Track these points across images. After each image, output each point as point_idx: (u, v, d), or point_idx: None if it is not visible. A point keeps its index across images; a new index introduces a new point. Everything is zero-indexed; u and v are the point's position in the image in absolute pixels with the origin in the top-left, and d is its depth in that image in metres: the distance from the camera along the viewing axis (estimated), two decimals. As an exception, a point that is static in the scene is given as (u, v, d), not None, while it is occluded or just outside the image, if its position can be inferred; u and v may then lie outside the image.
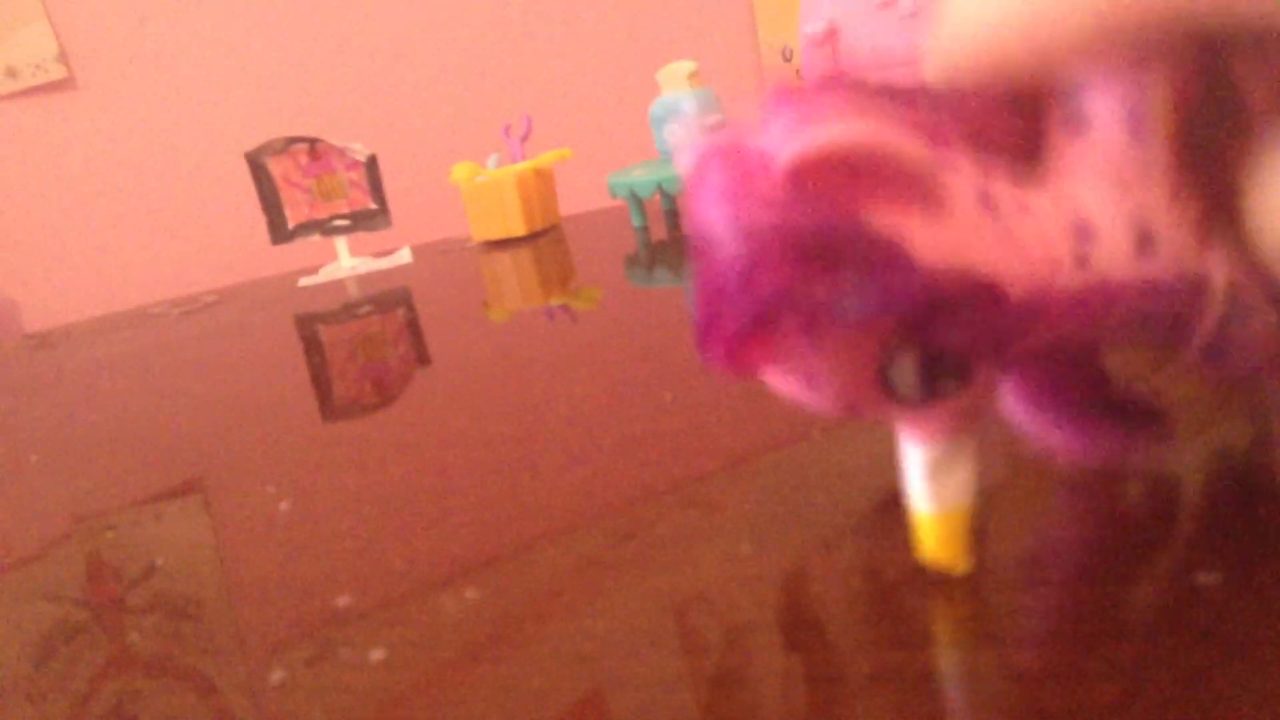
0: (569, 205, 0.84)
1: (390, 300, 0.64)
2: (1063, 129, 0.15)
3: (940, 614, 0.17)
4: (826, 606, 0.18)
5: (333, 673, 0.19)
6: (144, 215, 1.34)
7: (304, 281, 0.76)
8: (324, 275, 0.76)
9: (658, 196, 0.69)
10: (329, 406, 0.41)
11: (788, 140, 0.13)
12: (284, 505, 0.28)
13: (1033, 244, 0.14)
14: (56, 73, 1.31)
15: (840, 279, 0.13)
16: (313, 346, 0.55)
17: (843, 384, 0.15)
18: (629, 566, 0.21)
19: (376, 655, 0.19)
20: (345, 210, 0.78)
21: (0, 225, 1.31)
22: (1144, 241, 0.15)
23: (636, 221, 0.71)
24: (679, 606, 0.19)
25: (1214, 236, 0.15)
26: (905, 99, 0.14)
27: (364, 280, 0.73)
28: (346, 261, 0.78)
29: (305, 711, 0.18)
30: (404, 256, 0.78)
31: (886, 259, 0.13)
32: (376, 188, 0.79)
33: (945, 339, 0.14)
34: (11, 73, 1.29)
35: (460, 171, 0.77)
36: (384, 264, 0.77)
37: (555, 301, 0.55)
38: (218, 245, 1.33)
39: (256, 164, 0.76)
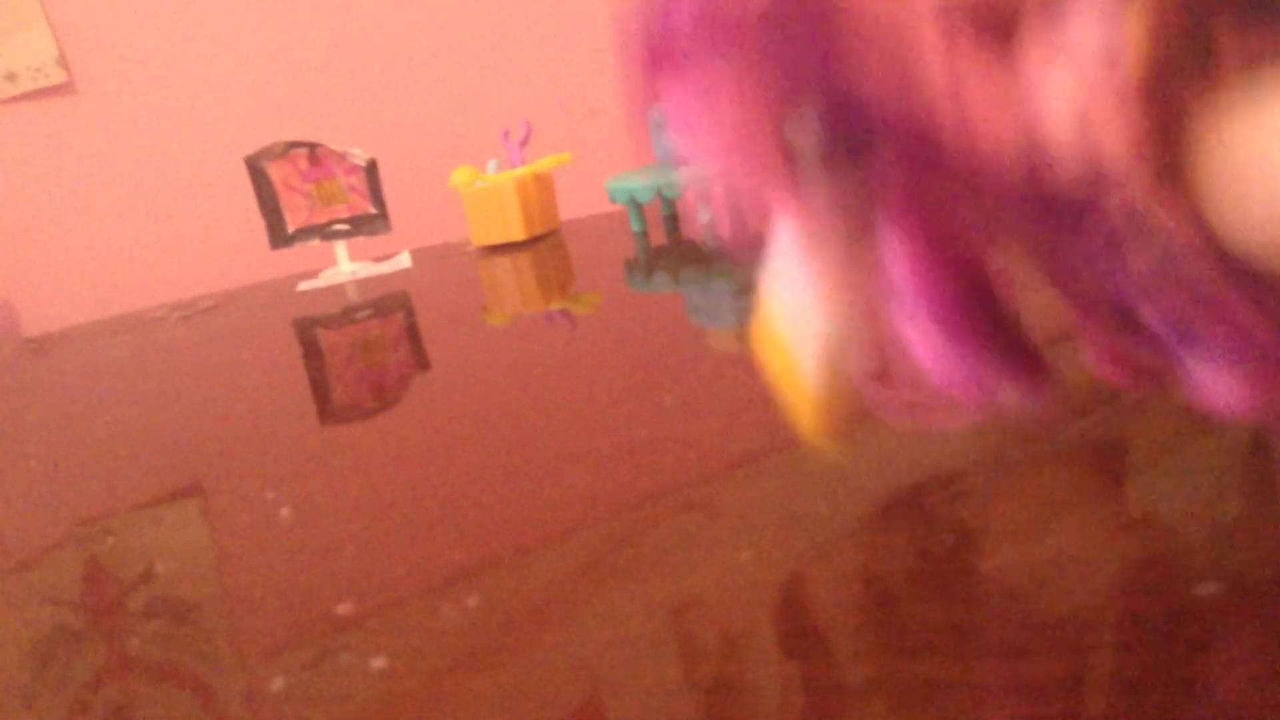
0: (568, 210, 0.84)
1: (390, 305, 0.64)
2: (1041, 17, 0.15)
3: (940, 622, 0.17)
4: (825, 613, 0.18)
5: (333, 680, 0.19)
6: (143, 219, 1.34)
7: (303, 286, 0.76)
8: (323, 280, 0.76)
9: (657, 201, 0.69)
10: (328, 411, 0.41)
11: None
12: (284, 511, 0.28)
13: (978, 97, 0.14)
14: (56, 77, 1.31)
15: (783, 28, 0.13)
16: (312, 351, 0.55)
17: (741, 122, 0.14)
18: (628, 572, 0.21)
19: (377, 663, 0.19)
20: (345, 215, 0.79)
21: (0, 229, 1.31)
22: (1082, 145, 0.14)
23: (636, 226, 0.71)
24: (678, 613, 0.19)
25: (1157, 179, 0.15)
26: None
27: (363, 285, 0.73)
28: (346, 266, 0.78)
29: (301, 715, 0.18)
30: (403, 261, 0.78)
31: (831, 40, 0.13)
32: (376, 192, 0.79)
33: (857, 115, 0.13)
34: (11, 77, 1.29)
35: (460, 176, 0.77)
36: (383, 268, 0.77)
37: (555, 306, 0.55)
38: (217, 249, 1.33)
39: (256, 168, 0.76)
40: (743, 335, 0.41)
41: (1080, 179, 0.14)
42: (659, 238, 0.69)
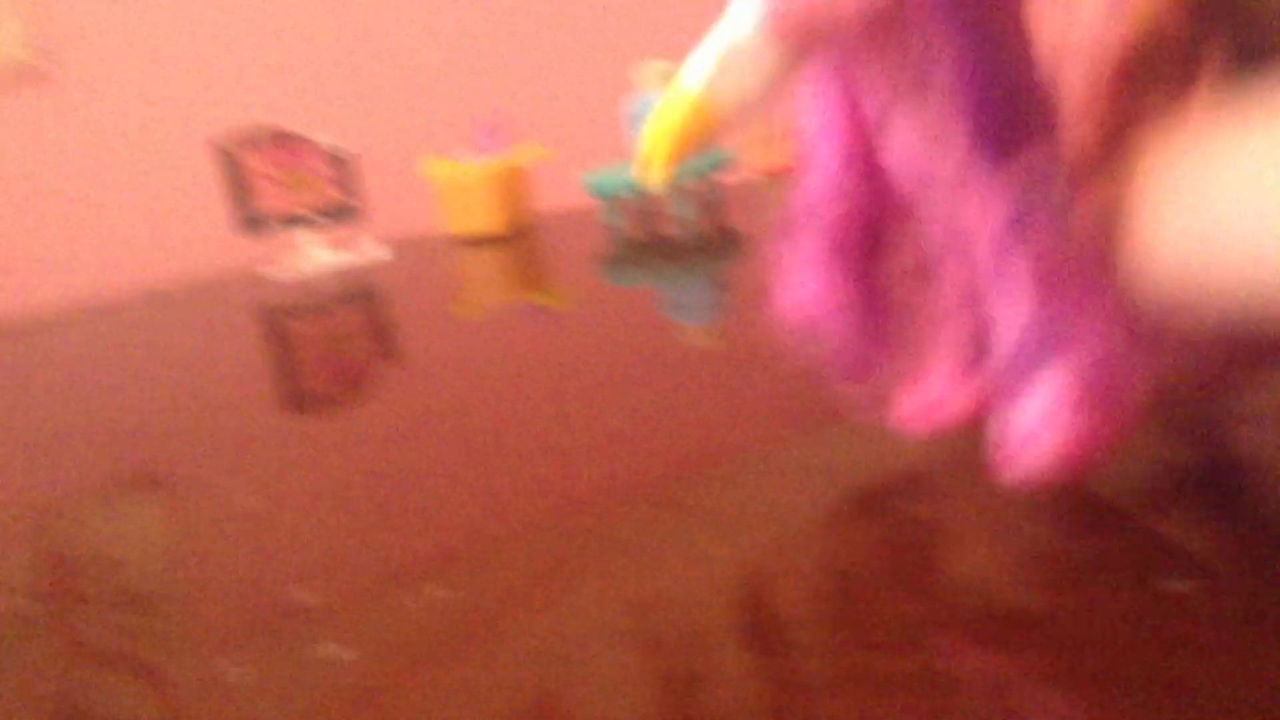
0: (544, 203, 0.84)
1: (359, 295, 0.64)
2: None
3: (906, 616, 0.17)
4: (792, 608, 0.18)
5: (292, 669, 0.18)
6: (110, 204, 1.32)
7: (271, 274, 0.75)
8: (292, 269, 0.75)
9: (632, 196, 0.69)
10: (294, 401, 0.41)
11: None
12: (245, 500, 0.28)
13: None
14: (24, 59, 1.29)
15: None
16: (279, 340, 0.54)
17: None
18: (596, 566, 0.21)
19: (338, 652, 0.19)
20: (316, 203, 0.78)
21: (-38, 211, 1.29)
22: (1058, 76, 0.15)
23: (611, 221, 0.71)
24: (645, 606, 0.19)
25: (1100, 148, 0.15)
26: None
27: (333, 274, 0.72)
28: (315, 255, 0.77)
29: (263, 708, 0.17)
30: (374, 251, 0.77)
31: None
32: (348, 181, 0.78)
33: None
34: (-24, 56, 1.26)
35: (435, 167, 0.76)
36: (353, 258, 0.76)
37: (528, 299, 0.55)
38: (184, 235, 1.31)
39: (227, 153, 0.75)
40: (717, 332, 0.41)
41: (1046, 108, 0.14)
42: (635, 233, 0.69)
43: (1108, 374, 0.15)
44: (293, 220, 0.77)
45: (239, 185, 0.75)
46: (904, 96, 0.15)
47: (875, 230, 0.18)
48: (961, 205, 0.16)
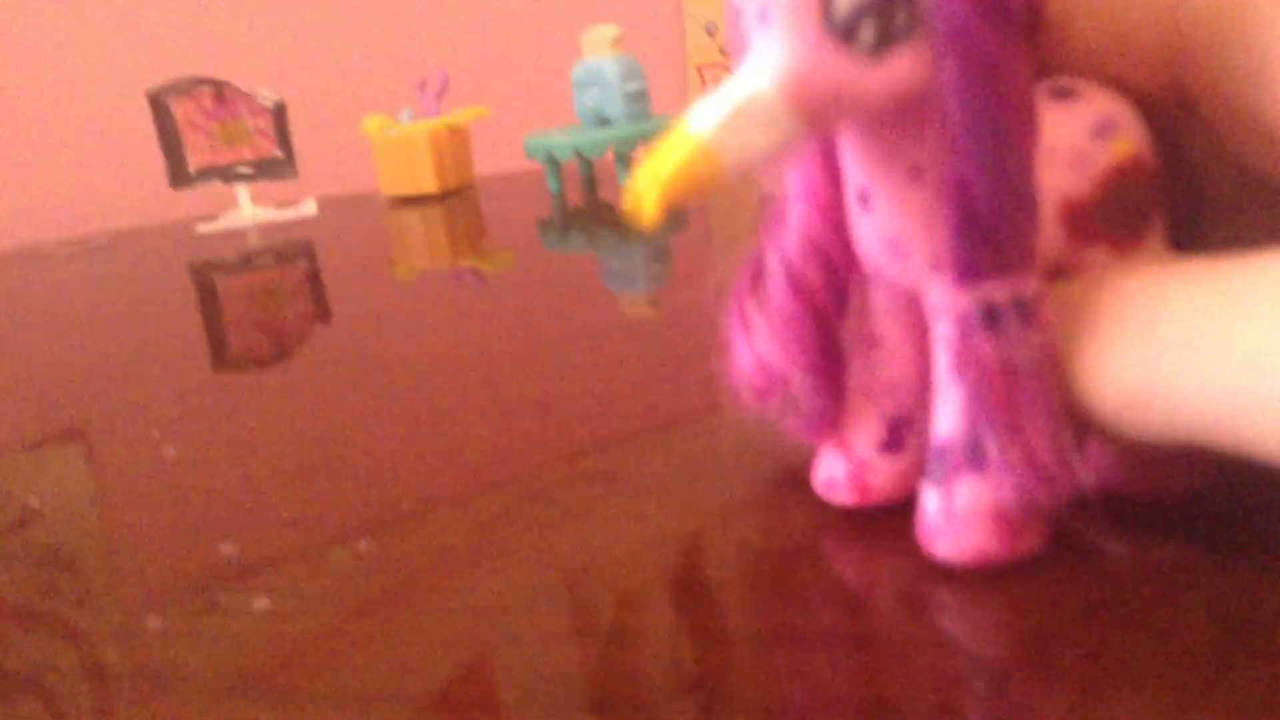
0: (484, 165, 0.83)
1: (292, 252, 0.63)
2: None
3: (843, 578, 0.18)
4: (726, 570, 0.19)
5: (218, 623, 0.18)
6: (35, 151, 1.27)
7: (203, 228, 0.73)
8: (224, 223, 0.74)
9: (575, 161, 0.69)
10: (222, 356, 0.40)
11: None
12: (169, 451, 0.28)
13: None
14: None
15: None
16: (208, 295, 0.53)
17: None
18: (529, 526, 0.21)
19: (261, 604, 0.19)
20: (249, 157, 0.76)
21: (-128, 152, 1.23)
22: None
23: (553, 186, 0.70)
24: (577, 565, 0.19)
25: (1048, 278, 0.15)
26: None
27: (265, 230, 0.71)
28: (248, 210, 0.75)
29: (183, 659, 0.17)
30: (308, 208, 0.75)
31: None
32: (283, 136, 0.76)
33: None
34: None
35: (372, 124, 0.75)
36: (287, 215, 0.74)
37: (465, 262, 0.54)
38: (113, 186, 1.27)
39: (158, 104, 0.72)
40: (656, 300, 0.41)
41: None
42: (576, 198, 0.68)
43: (1026, 498, 0.15)
44: (226, 174, 0.75)
45: (171, 136, 0.73)
46: (898, 174, 0.15)
47: (844, 293, 0.18)
48: (925, 292, 0.16)
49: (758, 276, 0.19)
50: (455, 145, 0.77)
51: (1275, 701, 0.13)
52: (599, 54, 0.67)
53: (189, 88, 0.73)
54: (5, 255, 0.76)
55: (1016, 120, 0.14)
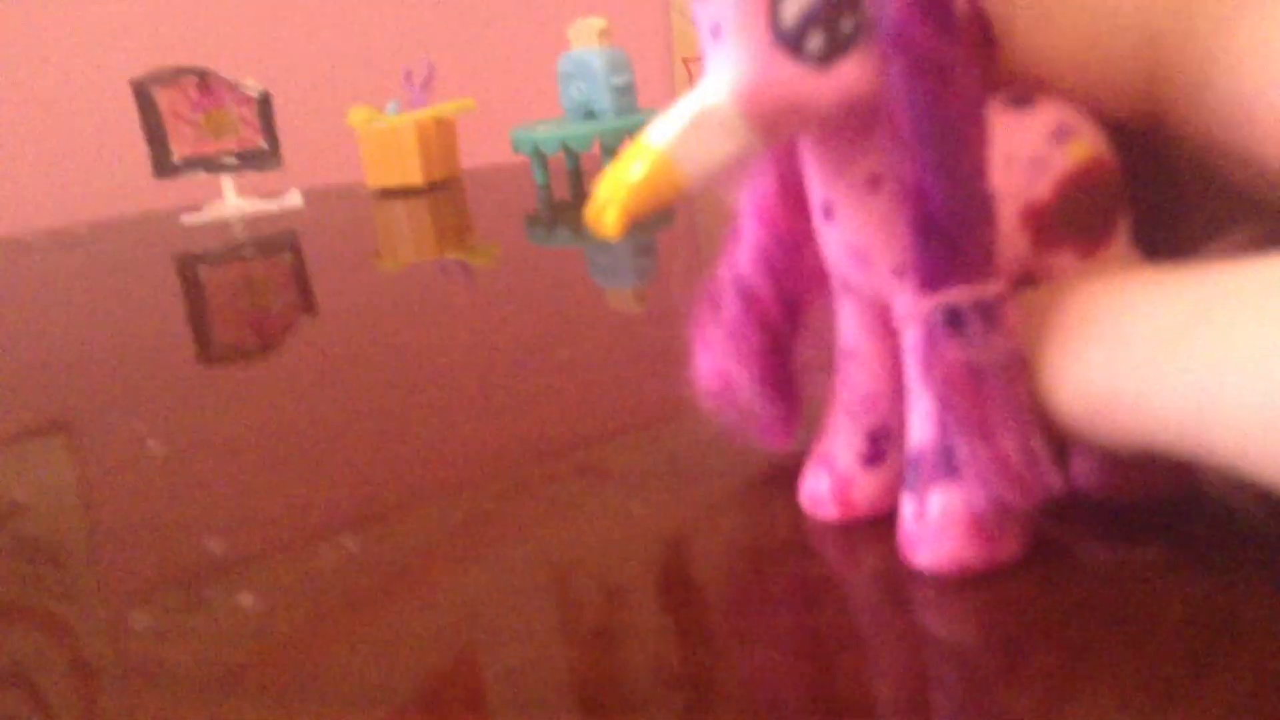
0: (470, 158, 0.83)
1: (277, 244, 0.62)
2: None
3: (823, 578, 0.18)
4: (709, 568, 0.19)
5: (203, 619, 0.18)
6: (18, 140, 1.26)
7: (187, 219, 0.73)
8: (208, 214, 0.73)
9: (562, 154, 0.68)
10: (208, 349, 0.40)
11: None
12: (154, 445, 0.27)
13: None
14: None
15: None
16: (193, 287, 0.53)
17: None
18: (516, 522, 0.21)
19: (247, 600, 0.19)
20: (234, 148, 0.75)
21: None
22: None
23: (539, 179, 0.70)
24: (563, 562, 0.19)
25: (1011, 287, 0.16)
26: None
27: (250, 222, 0.70)
28: (233, 201, 0.75)
29: (169, 654, 0.17)
30: (294, 199, 0.75)
31: None
32: (268, 126, 0.76)
33: None
34: None
35: (358, 115, 0.74)
36: (272, 206, 0.74)
37: (451, 255, 0.54)
38: (96, 176, 1.26)
39: (142, 93, 0.72)
40: (642, 295, 0.41)
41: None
42: (562, 192, 0.68)
43: (998, 503, 0.15)
44: (210, 164, 0.75)
45: (154, 125, 0.72)
46: (858, 184, 0.16)
47: (795, 307, 0.19)
48: (892, 300, 0.16)
49: (716, 289, 0.20)
50: (441, 137, 0.76)
51: (1252, 703, 0.13)
52: (586, 45, 0.67)
53: (173, 77, 0.73)
54: (-13, 245, 0.75)
55: (966, 122, 0.14)
